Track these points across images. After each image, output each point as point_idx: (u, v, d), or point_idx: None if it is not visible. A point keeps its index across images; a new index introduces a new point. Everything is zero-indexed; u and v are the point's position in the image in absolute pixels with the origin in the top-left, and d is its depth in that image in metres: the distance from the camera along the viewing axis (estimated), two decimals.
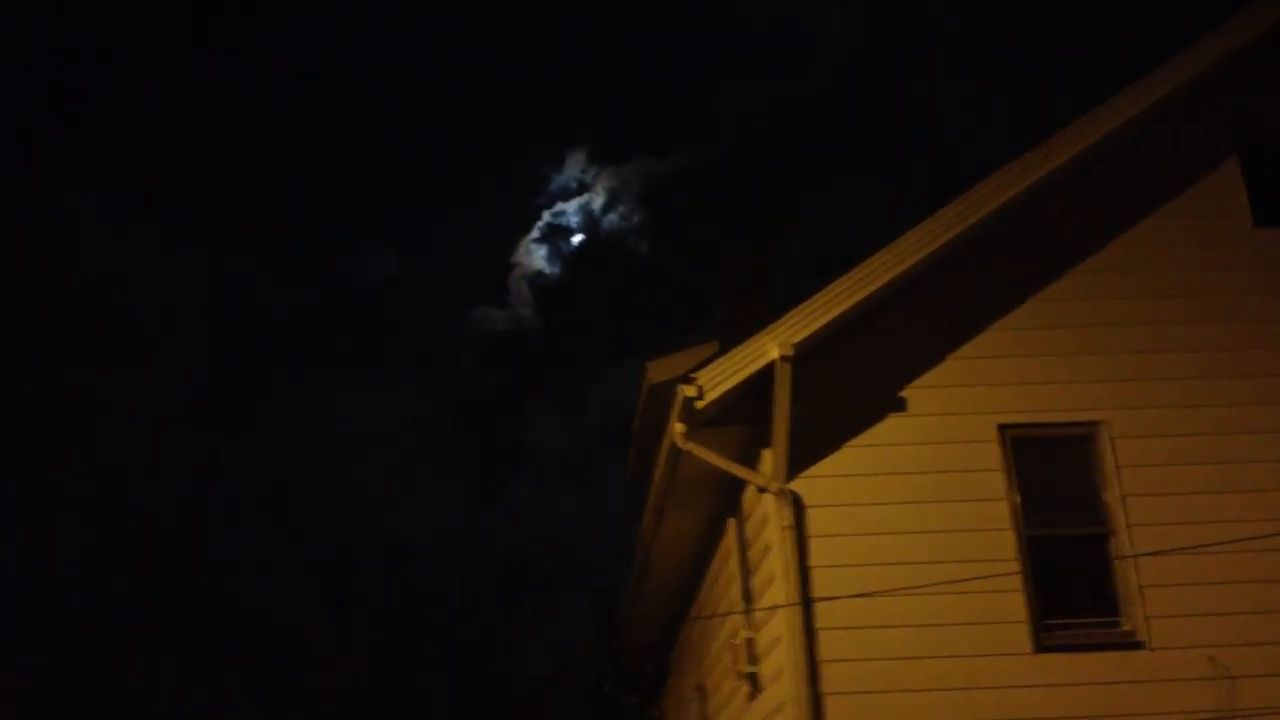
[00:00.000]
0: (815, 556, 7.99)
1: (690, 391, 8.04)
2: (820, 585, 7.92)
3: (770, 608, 8.18)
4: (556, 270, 56.84)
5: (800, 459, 8.13)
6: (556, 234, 57.88)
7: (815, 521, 8.07)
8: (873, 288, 8.31)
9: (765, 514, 8.27)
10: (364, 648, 23.78)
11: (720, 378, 8.07)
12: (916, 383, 8.40)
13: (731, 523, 9.53)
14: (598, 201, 59.44)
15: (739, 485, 8.83)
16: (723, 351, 8.25)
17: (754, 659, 8.78)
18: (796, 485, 8.11)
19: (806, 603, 7.86)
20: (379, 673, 23.58)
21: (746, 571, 9.17)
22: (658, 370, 10.68)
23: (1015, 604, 7.93)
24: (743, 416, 8.30)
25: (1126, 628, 7.97)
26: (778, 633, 8.00)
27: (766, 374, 8.01)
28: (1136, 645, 7.91)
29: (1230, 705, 7.67)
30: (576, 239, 56.81)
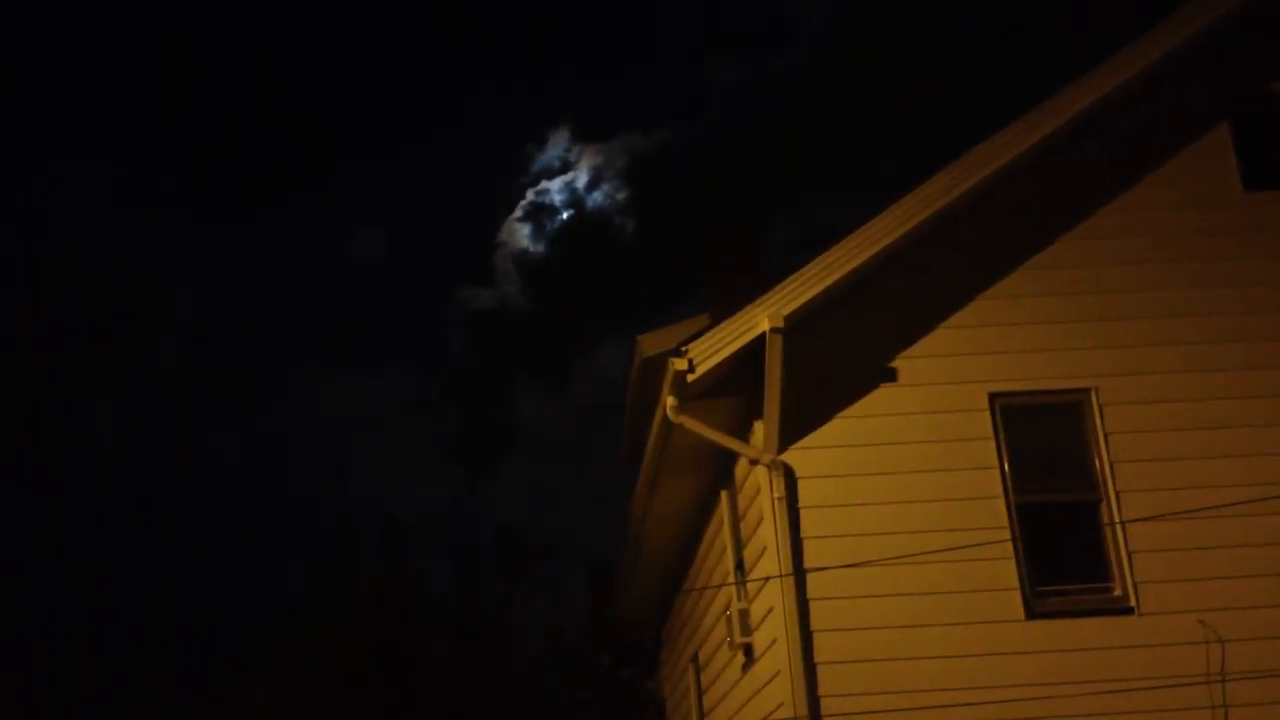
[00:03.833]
0: (808, 527, 8.02)
1: (681, 364, 8.05)
2: (813, 556, 7.95)
3: (763, 579, 8.21)
4: (541, 248, 56.78)
5: (792, 430, 8.15)
6: (541, 212, 57.81)
7: (807, 492, 8.10)
8: (863, 258, 8.31)
9: (757, 485, 8.29)
10: (361, 627, 23.84)
11: (711, 350, 8.08)
12: (907, 352, 8.41)
13: (724, 495, 9.56)
14: (582, 179, 59.33)
15: (731, 457, 8.85)
16: (714, 324, 8.25)
17: (748, 630, 8.82)
18: (788, 457, 8.13)
19: (799, 573, 7.89)
20: (377, 651, 23.64)
21: (739, 543, 9.20)
22: (649, 343, 10.69)
23: (1007, 571, 7.97)
24: (734, 389, 8.32)
25: (1117, 593, 8.02)
26: (771, 603, 8.03)
27: (758, 346, 8.02)
28: (1127, 610, 7.96)
29: (1221, 669, 7.73)
30: (561, 217, 56.72)
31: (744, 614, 8.87)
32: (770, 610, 8.08)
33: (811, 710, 7.65)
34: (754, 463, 8.28)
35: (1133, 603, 7.96)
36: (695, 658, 11.65)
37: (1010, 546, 8.00)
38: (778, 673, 7.95)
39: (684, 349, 8.12)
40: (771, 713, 8.17)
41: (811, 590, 7.89)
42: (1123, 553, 8.03)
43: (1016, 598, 7.93)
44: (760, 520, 8.28)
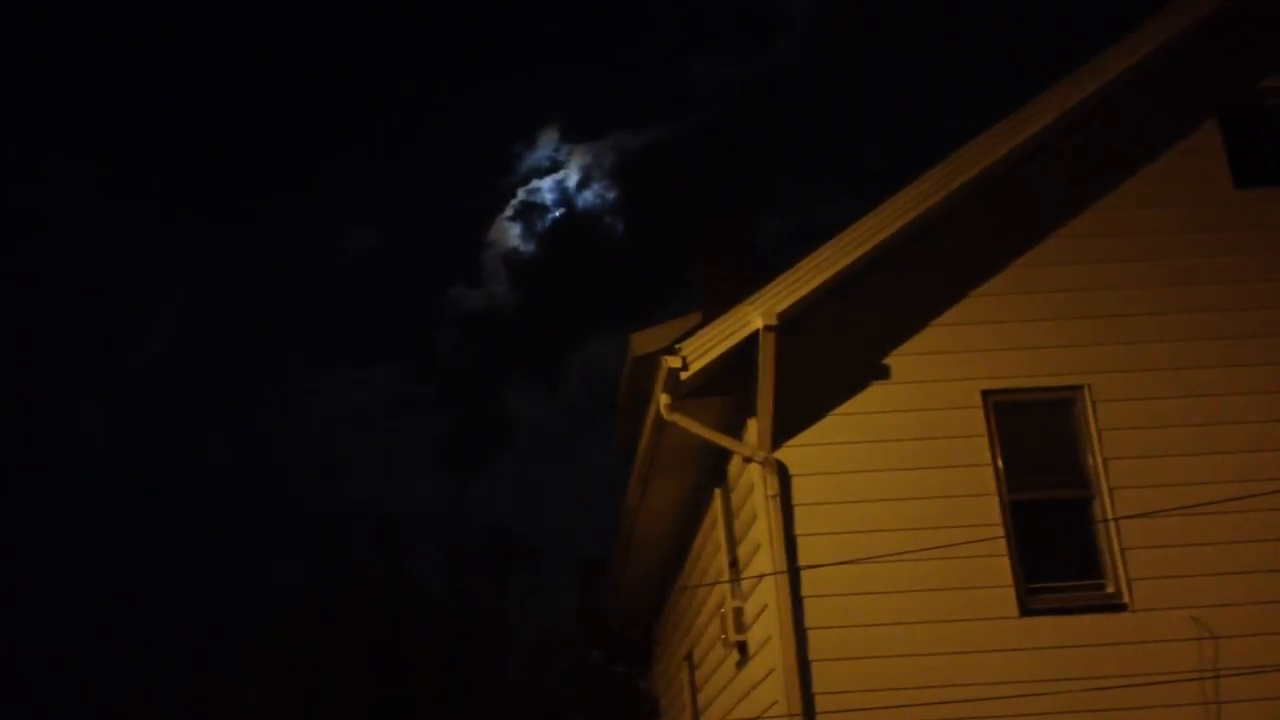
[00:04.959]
0: (801, 524, 8.02)
1: (674, 362, 8.04)
2: (806, 553, 7.95)
3: (757, 576, 8.21)
4: (531, 247, 56.87)
5: (785, 428, 8.15)
6: (531, 211, 57.96)
7: (801, 490, 8.10)
8: (855, 255, 8.31)
9: (751, 483, 8.29)
10: (354, 625, 23.79)
11: (704, 348, 8.08)
12: (900, 350, 8.42)
13: (717, 492, 9.55)
14: (572, 178, 59.48)
15: (724, 455, 8.84)
16: (706, 322, 8.25)
17: (742, 627, 8.82)
18: (782, 454, 8.13)
19: (793, 570, 7.89)
20: (370, 649, 23.60)
21: (733, 540, 9.20)
22: (642, 342, 10.70)
23: (1000, 568, 7.98)
24: (727, 386, 8.31)
25: (1110, 590, 8.03)
26: (765, 601, 8.04)
27: (750, 344, 8.01)
28: (1120, 607, 7.97)
29: (1214, 665, 7.75)
30: (551, 216, 56.81)
31: (738, 612, 8.87)
32: (764, 608, 8.08)
33: (805, 707, 7.66)
34: (747, 460, 8.28)
35: (1125, 599, 7.97)
36: (689, 655, 11.65)
37: (1003, 543, 8.01)
38: (771, 670, 7.96)
39: (677, 347, 8.12)
40: (765, 710, 8.18)
41: (805, 588, 7.89)
42: (1115, 549, 8.04)
43: (1010, 595, 7.94)
44: (754, 518, 8.27)
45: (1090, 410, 8.30)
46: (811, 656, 7.78)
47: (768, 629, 8.01)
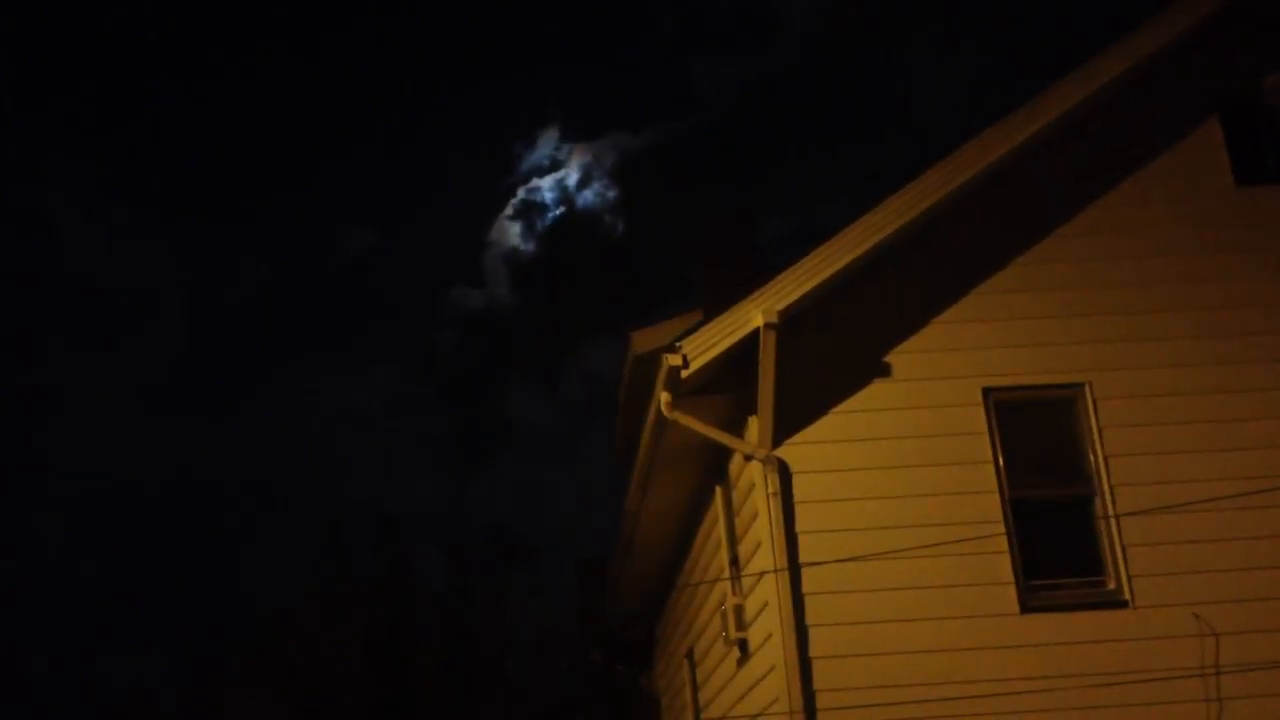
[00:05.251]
0: (802, 522, 8.03)
1: (675, 360, 8.04)
2: (807, 550, 7.95)
3: (758, 574, 8.21)
4: (532, 247, 56.90)
5: (786, 425, 8.15)
6: (531, 211, 57.99)
7: (802, 487, 8.10)
8: (856, 253, 8.31)
9: (752, 481, 8.29)
10: (355, 625, 23.78)
11: (705, 346, 8.08)
12: (901, 347, 8.42)
13: (718, 490, 9.56)
14: (572, 178, 59.54)
15: (725, 453, 8.84)
16: (707, 320, 8.25)
17: (743, 625, 8.82)
18: (783, 452, 8.13)
19: (794, 568, 7.90)
20: (369, 648, 23.60)
21: (734, 538, 9.20)
22: (642, 340, 10.68)
23: (1001, 566, 7.99)
24: (728, 384, 8.31)
25: (1111, 587, 8.03)
26: (766, 598, 8.04)
27: (751, 342, 8.01)
28: (1121, 604, 7.97)
29: (1214, 661, 7.76)
30: (551, 215, 56.82)
31: (739, 609, 8.87)
32: (765, 605, 8.08)
33: (806, 705, 7.66)
34: (748, 458, 8.28)
35: (1126, 596, 7.97)
36: (690, 653, 11.65)
37: (1004, 541, 8.01)
38: (773, 667, 7.96)
39: (678, 345, 8.11)
40: (767, 708, 8.18)
41: (806, 585, 7.89)
42: (1116, 546, 8.04)
43: (1011, 592, 7.94)
44: (755, 515, 8.28)
45: (1091, 407, 8.30)
46: (812, 654, 7.78)
47: (769, 626, 8.01)
